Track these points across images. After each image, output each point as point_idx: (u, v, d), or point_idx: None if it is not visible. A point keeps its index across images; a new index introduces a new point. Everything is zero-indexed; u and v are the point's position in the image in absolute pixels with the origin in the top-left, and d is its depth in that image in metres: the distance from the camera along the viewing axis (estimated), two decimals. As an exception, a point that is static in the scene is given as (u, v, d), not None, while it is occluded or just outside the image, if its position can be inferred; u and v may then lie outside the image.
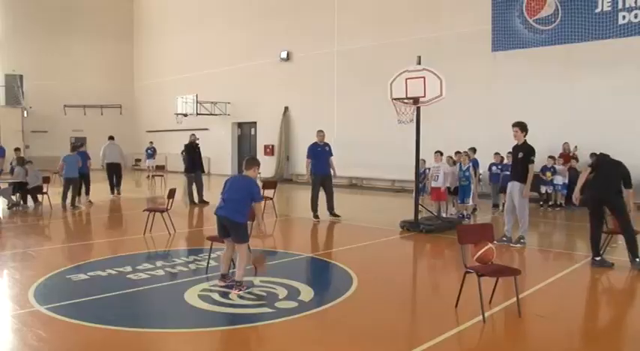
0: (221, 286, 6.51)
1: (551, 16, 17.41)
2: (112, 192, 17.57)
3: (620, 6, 16.09)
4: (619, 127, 15.82)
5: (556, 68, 17.25)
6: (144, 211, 11.12)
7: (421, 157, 11.88)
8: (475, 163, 13.63)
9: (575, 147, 16.38)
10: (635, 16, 15.85)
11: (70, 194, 14.72)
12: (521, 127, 9.66)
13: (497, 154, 15.06)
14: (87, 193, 16.13)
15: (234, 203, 6.37)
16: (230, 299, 6.12)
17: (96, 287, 6.59)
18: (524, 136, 9.60)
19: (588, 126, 16.29)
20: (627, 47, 15.88)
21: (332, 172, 12.88)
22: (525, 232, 9.54)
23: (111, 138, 18.20)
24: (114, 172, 17.71)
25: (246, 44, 27.20)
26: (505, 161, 14.47)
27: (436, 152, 13.05)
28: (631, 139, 15.58)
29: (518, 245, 9.44)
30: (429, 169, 13.47)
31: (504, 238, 9.55)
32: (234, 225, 6.38)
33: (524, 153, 9.44)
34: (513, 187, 9.51)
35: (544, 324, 5.46)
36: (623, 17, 16.06)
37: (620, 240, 8.77)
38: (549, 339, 5.06)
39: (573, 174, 15.49)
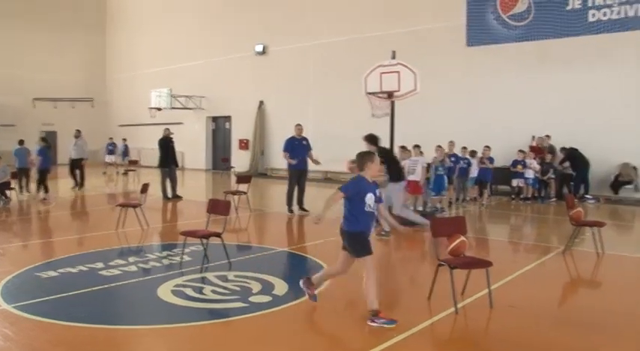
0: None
1: (525, 12, 17.61)
2: (75, 187, 17.45)
3: (589, 4, 16.36)
4: (589, 122, 16.11)
5: (529, 64, 17.47)
6: (116, 206, 10.99)
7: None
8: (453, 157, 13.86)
9: (547, 136, 16.60)
10: (604, 14, 16.12)
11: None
12: (370, 140, 9.70)
13: (487, 147, 15.03)
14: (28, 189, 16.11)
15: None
16: (204, 294, 6.09)
17: (66, 284, 6.47)
18: (376, 146, 9.64)
19: (560, 120, 16.56)
20: (597, 44, 16.15)
21: (314, 163, 12.84)
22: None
23: (77, 133, 18.05)
24: (77, 168, 17.62)
25: (221, 38, 26.98)
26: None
27: (414, 146, 13.14)
28: (601, 134, 15.89)
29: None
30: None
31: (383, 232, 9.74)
32: (345, 236, 5.51)
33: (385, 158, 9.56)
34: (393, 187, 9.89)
35: (515, 314, 5.53)
36: (593, 15, 16.32)
37: (588, 232, 8.94)
38: (520, 328, 5.13)
39: (547, 168, 15.75)
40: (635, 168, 15.73)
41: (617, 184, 15.96)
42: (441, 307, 5.53)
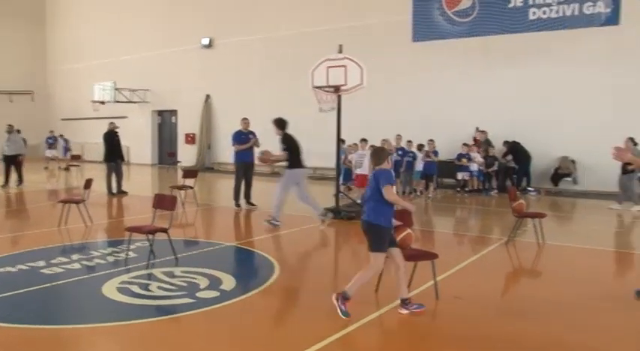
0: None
1: (469, 9, 17.99)
2: (6, 183, 16.63)
3: (530, 2, 16.90)
4: (531, 116, 16.63)
5: (474, 59, 17.88)
6: (58, 202, 10.67)
7: (348, 143, 11.97)
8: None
9: (477, 128, 17.07)
10: (544, 13, 16.68)
11: None
12: (278, 124, 10.63)
13: (431, 141, 15.24)
14: None
15: (370, 203, 5.43)
16: (150, 291, 6.00)
17: (5, 284, 6.23)
18: (283, 130, 10.51)
19: (503, 115, 17.03)
20: (538, 41, 16.67)
21: (255, 147, 12.75)
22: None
23: (10, 128, 17.21)
24: (13, 164, 16.86)
25: (166, 30, 26.43)
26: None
27: (361, 140, 13.27)
28: (542, 128, 16.44)
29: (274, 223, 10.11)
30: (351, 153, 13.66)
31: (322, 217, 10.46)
32: (367, 228, 5.42)
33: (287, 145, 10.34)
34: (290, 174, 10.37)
35: (460, 305, 5.68)
36: (534, 13, 16.86)
37: (530, 224, 9.24)
38: (465, 318, 5.27)
39: (491, 161, 16.17)
40: (573, 161, 16.34)
41: (556, 176, 16.55)
42: (388, 299, 5.62)
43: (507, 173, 16.61)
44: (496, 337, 4.82)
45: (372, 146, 13.47)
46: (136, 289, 6.06)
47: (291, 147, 10.32)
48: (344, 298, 5.19)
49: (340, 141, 11.81)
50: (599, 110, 15.69)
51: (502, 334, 4.86)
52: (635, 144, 12.30)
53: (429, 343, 4.76)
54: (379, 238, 5.25)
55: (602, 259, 8.30)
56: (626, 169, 12.58)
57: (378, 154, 5.57)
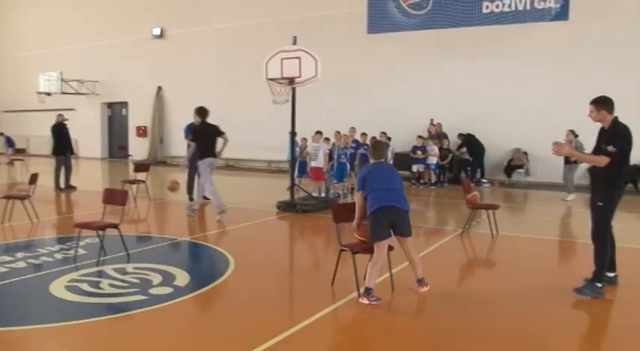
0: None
1: (423, 1, 18.20)
2: None
3: (484, -4, 17.20)
4: (484, 109, 16.97)
5: (428, 51, 18.09)
6: (1, 198, 10.31)
7: (301, 136, 11.93)
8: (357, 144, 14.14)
9: (432, 120, 17.30)
10: (497, 7, 17.04)
11: None
12: (198, 112, 10.62)
13: (383, 133, 15.32)
14: None
15: (401, 192, 5.73)
16: (101, 289, 5.87)
17: (-55, 283, 6.03)
18: (203, 119, 10.59)
19: (457, 107, 17.32)
20: (492, 34, 17.00)
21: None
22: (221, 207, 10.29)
23: None
24: None
25: (117, 19, 25.75)
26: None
27: (316, 132, 13.24)
28: (495, 120, 16.79)
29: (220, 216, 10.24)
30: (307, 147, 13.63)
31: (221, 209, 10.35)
32: (407, 216, 5.69)
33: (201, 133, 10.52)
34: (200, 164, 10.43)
35: (416, 296, 5.76)
36: (487, 7, 17.19)
37: (484, 215, 9.44)
38: (420, 310, 5.36)
39: (446, 153, 16.43)
40: (525, 153, 16.75)
41: (509, 168, 16.95)
42: (344, 292, 5.66)
43: (462, 165, 16.91)
44: (449, 329, 4.91)
45: (373, 138, 13.48)
46: (85, 287, 5.93)
47: (199, 137, 10.44)
48: (367, 293, 5.40)
49: (294, 133, 11.77)
50: (550, 103, 16.11)
51: (457, 327, 4.96)
52: (576, 136, 12.72)
53: (385, 336, 4.81)
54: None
55: (553, 248, 8.56)
56: (568, 160, 13.03)
57: (380, 147, 6.03)
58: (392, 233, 5.64)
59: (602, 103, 5.67)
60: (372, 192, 5.61)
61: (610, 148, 5.52)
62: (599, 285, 5.71)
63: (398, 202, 5.60)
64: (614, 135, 5.60)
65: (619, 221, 6.05)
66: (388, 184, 5.66)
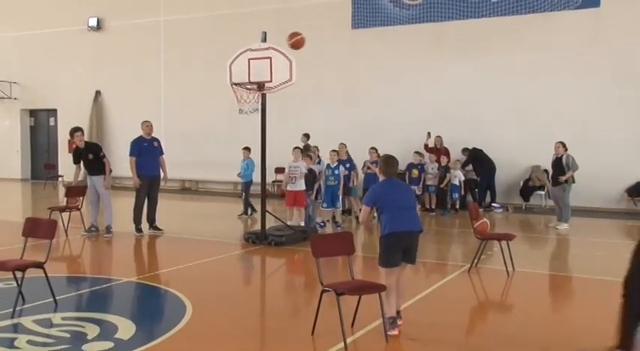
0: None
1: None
2: None
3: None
4: (494, 117, 17.11)
5: (424, 49, 18.27)
6: None
7: (274, 152, 11.84)
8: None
9: (429, 133, 17.40)
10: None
11: None
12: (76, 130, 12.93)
13: (373, 149, 15.20)
14: None
15: (415, 211, 6.48)
16: (17, 348, 5.68)
17: None
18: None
19: (459, 115, 17.43)
20: (504, 27, 17.21)
21: (162, 174, 12.72)
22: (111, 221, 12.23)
23: None
24: None
25: (42, 3, 25.57)
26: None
27: (295, 148, 13.17)
28: (509, 132, 16.90)
29: (109, 235, 12.02)
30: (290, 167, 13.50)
31: (92, 228, 12.33)
32: (418, 237, 6.36)
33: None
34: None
35: (416, 348, 5.75)
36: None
37: (496, 247, 9.48)
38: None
39: (442, 174, 16.23)
40: (546, 171, 16.44)
41: (526, 190, 16.98)
42: (327, 343, 5.63)
43: (468, 186, 16.84)
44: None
45: (385, 155, 13.32)
46: (-4, 344, 5.80)
47: (93, 153, 12.75)
48: (392, 324, 5.90)
49: (264, 149, 11.72)
50: (575, 108, 16.32)
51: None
52: (566, 149, 13.09)
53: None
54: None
55: (584, 288, 8.59)
56: (556, 180, 13.32)
57: (392, 163, 6.45)
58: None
59: None
60: (385, 211, 6.16)
61: None
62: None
63: (414, 224, 6.20)
64: None
65: None
66: (402, 201, 6.25)
